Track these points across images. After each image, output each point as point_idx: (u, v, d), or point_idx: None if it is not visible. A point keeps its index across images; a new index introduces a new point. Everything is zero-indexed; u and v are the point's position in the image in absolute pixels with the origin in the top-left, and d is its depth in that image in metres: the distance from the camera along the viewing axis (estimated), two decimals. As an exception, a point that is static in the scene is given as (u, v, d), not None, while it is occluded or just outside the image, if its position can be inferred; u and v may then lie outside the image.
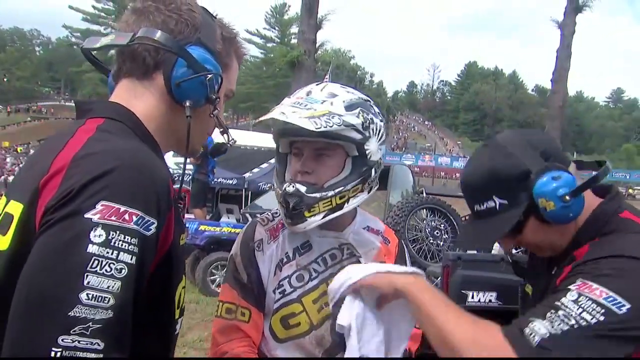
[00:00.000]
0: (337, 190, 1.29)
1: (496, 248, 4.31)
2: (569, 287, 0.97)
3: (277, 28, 66.82)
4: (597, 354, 0.91)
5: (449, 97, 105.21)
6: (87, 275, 0.71)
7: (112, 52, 1.00)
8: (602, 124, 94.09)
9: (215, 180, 8.29)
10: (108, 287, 0.72)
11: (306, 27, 12.80)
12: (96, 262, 0.72)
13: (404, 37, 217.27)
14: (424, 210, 4.97)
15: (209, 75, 0.94)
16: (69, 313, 0.69)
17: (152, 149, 0.91)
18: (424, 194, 5.87)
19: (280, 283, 1.35)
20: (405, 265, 1.49)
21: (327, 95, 1.31)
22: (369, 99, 1.38)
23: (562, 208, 1.04)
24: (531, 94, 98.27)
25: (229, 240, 6.90)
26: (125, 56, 0.96)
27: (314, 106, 1.26)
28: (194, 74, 0.93)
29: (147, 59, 0.94)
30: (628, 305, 0.92)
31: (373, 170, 1.34)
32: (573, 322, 0.93)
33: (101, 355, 0.70)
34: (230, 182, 10.10)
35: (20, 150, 47.16)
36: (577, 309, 0.93)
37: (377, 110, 1.37)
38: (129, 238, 0.75)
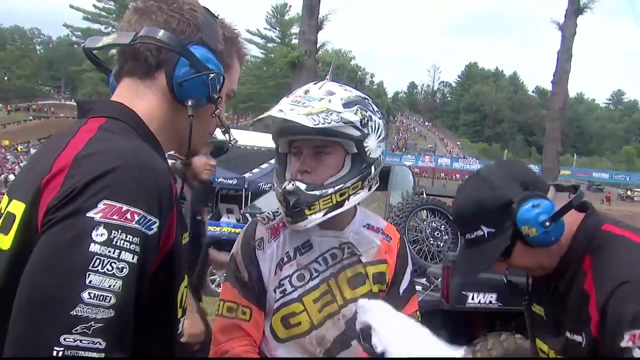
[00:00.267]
0: (337, 188, 1.29)
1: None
2: (622, 345, 1.00)
3: (277, 28, 66.86)
4: None
5: (449, 98, 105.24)
6: (88, 275, 0.71)
7: (113, 51, 1.00)
8: (603, 125, 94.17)
9: (216, 180, 8.30)
10: (109, 286, 0.72)
11: (307, 28, 12.79)
12: (98, 261, 0.72)
13: (405, 37, 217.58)
14: (425, 211, 4.97)
15: (211, 75, 0.94)
16: (71, 312, 0.69)
17: (154, 149, 0.91)
18: (424, 195, 5.86)
19: (281, 282, 1.35)
20: (407, 263, 1.49)
21: (324, 93, 1.31)
22: (367, 97, 1.38)
23: (543, 233, 1.14)
24: (531, 95, 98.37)
25: (229, 240, 6.86)
26: (127, 55, 0.96)
27: (312, 103, 1.27)
28: (196, 73, 0.93)
29: (149, 58, 0.94)
30: None
31: (373, 168, 1.34)
32: None
33: (103, 355, 0.70)
34: (231, 182, 10.11)
35: (21, 149, 47.22)
36: None
37: (375, 108, 1.37)
38: (131, 237, 0.75)
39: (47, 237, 0.74)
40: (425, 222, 4.81)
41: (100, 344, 0.70)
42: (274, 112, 1.25)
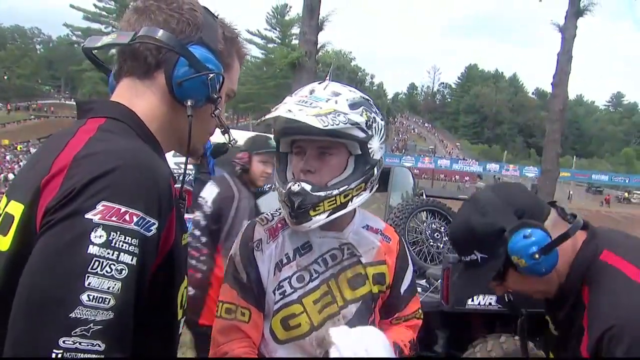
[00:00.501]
0: (341, 189, 1.29)
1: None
2: None
3: (278, 29, 66.83)
4: None
5: (449, 100, 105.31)
6: (87, 277, 0.71)
7: (113, 51, 0.99)
8: (602, 127, 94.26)
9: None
10: (108, 288, 0.72)
11: (307, 28, 12.77)
12: (97, 263, 0.72)
13: (405, 38, 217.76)
14: (424, 212, 4.95)
15: (211, 75, 0.94)
16: (70, 314, 0.69)
17: (154, 149, 0.91)
18: (424, 196, 5.85)
19: (281, 284, 1.35)
20: (408, 263, 1.50)
21: (330, 93, 1.31)
22: (369, 98, 1.38)
23: (533, 264, 1.14)
24: (531, 97, 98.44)
25: (228, 241, 6.88)
26: (127, 55, 0.96)
27: (319, 104, 1.26)
28: (196, 73, 0.93)
29: (149, 58, 0.93)
30: None
31: (375, 169, 1.35)
32: None
33: (102, 357, 0.70)
34: (230, 182, 10.08)
35: (20, 148, 47.19)
36: None
37: (377, 109, 1.37)
38: (130, 239, 0.75)
39: (45, 239, 0.73)
40: (425, 224, 4.80)
41: (99, 345, 0.70)
42: (282, 112, 1.24)
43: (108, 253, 0.73)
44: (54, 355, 0.67)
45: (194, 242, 2.91)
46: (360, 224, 1.45)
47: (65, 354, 0.68)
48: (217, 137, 1.10)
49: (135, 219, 0.76)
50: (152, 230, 0.78)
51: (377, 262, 1.43)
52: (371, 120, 1.31)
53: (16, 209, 0.81)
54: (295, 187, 1.27)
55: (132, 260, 0.75)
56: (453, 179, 53.42)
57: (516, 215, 1.18)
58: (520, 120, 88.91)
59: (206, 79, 0.93)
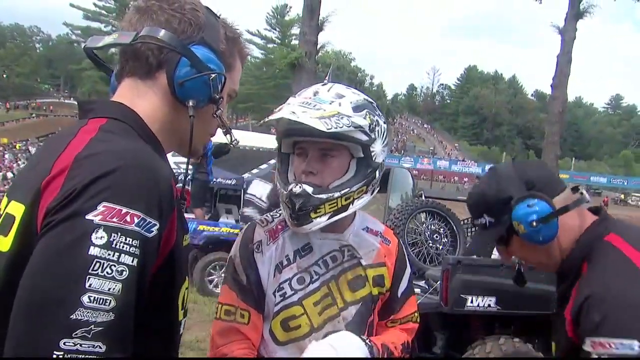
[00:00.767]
0: (343, 192, 1.28)
1: (495, 253, 4.31)
2: (585, 349, 1.12)
3: (277, 29, 66.84)
4: None
5: (448, 101, 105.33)
6: (88, 278, 0.70)
7: (112, 50, 0.99)
8: (601, 129, 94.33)
9: (214, 180, 8.29)
10: (109, 289, 0.71)
11: (307, 29, 12.78)
12: (97, 264, 0.71)
13: (405, 39, 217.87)
14: (424, 213, 4.95)
15: (213, 75, 0.93)
16: (71, 316, 0.69)
17: (155, 149, 0.91)
18: (424, 198, 5.85)
19: (281, 286, 1.34)
20: (406, 266, 1.50)
21: (334, 95, 1.31)
22: (373, 101, 1.37)
23: (531, 232, 1.24)
24: (530, 98, 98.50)
25: (228, 241, 6.89)
26: (128, 55, 0.95)
27: (323, 106, 1.26)
28: (198, 73, 0.92)
29: (150, 58, 0.93)
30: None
31: (377, 172, 1.35)
32: None
33: (103, 358, 0.70)
34: (229, 182, 10.10)
35: (19, 147, 47.12)
36: None
37: (380, 112, 1.37)
38: (130, 240, 0.75)
39: (46, 240, 0.73)
40: (424, 225, 4.79)
41: (100, 347, 0.69)
42: (285, 113, 1.24)
43: (109, 254, 0.73)
44: (54, 357, 0.67)
45: None
46: (360, 225, 1.45)
47: (66, 355, 0.68)
48: (218, 138, 1.09)
49: (136, 220, 0.76)
50: (153, 231, 0.78)
51: (376, 264, 1.43)
52: (374, 123, 1.31)
53: (17, 209, 0.81)
54: (297, 189, 1.27)
55: (132, 262, 0.75)
56: (452, 180, 53.44)
57: (526, 187, 1.28)
58: (520, 121, 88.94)
59: (208, 79, 0.93)
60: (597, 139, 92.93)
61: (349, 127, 1.24)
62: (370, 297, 1.40)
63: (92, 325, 0.69)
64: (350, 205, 1.31)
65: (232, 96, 1.07)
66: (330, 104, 1.27)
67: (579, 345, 1.16)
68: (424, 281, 4.21)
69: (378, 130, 1.32)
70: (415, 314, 1.52)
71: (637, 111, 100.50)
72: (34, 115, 63.59)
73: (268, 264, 1.35)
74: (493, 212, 1.31)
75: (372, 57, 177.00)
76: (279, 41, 63.46)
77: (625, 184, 51.19)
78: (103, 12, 62.28)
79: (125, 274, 0.73)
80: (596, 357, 1.09)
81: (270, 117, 1.28)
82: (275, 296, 1.34)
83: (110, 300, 0.71)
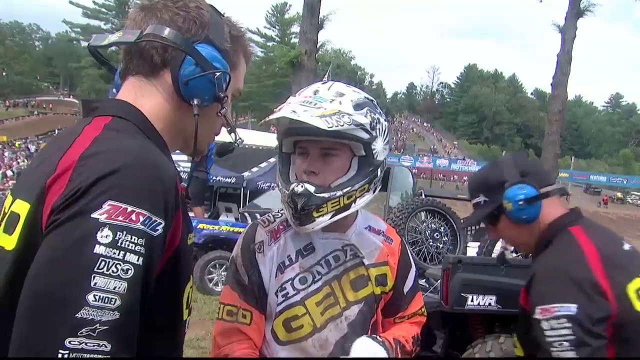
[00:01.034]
0: (345, 191, 1.28)
1: (496, 252, 4.31)
2: (534, 317, 1.36)
3: (277, 27, 66.81)
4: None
5: (448, 100, 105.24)
6: (94, 277, 0.70)
7: (113, 48, 0.99)
8: (601, 128, 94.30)
9: (214, 178, 8.28)
10: (114, 288, 0.71)
11: (308, 27, 12.74)
12: (103, 263, 0.71)
13: (405, 37, 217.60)
14: (424, 212, 4.95)
15: (217, 74, 0.93)
16: (76, 315, 0.68)
17: (160, 148, 0.90)
18: (424, 196, 5.85)
19: (283, 286, 1.34)
20: (410, 264, 1.50)
21: (334, 94, 1.30)
22: (373, 99, 1.37)
23: (517, 210, 1.48)
24: (530, 97, 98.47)
25: (227, 239, 6.90)
26: (133, 54, 0.95)
27: (324, 105, 1.25)
28: (202, 72, 0.92)
29: (155, 56, 0.93)
30: (575, 305, 1.29)
31: (379, 171, 1.34)
32: (565, 344, 1.29)
33: (108, 357, 0.69)
34: (229, 180, 10.09)
35: (19, 145, 47.07)
36: (556, 334, 1.30)
37: (381, 110, 1.36)
38: (136, 238, 0.75)
39: (51, 238, 0.73)
40: (424, 224, 4.79)
41: (105, 346, 0.69)
42: (286, 112, 1.23)
43: (114, 253, 0.73)
44: (60, 356, 0.67)
45: None
46: (363, 224, 1.45)
47: (71, 354, 0.67)
48: (221, 137, 1.09)
49: (141, 219, 0.76)
50: (158, 229, 0.78)
51: (379, 263, 1.42)
52: (375, 121, 1.30)
53: (22, 207, 0.81)
54: (299, 188, 1.26)
55: (138, 260, 0.74)
56: (452, 178, 53.43)
57: (520, 175, 1.51)
58: (519, 120, 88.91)
59: (213, 77, 0.92)
60: (597, 137, 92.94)
61: (350, 125, 1.23)
62: (373, 296, 1.40)
63: (98, 324, 0.69)
64: (353, 203, 1.30)
65: (237, 95, 1.07)
66: (331, 102, 1.27)
67: (529, 313, 1.39)
68: (424, 280, 4.21)
69: (379, 128, 1.31)
70: (422, 308, 1.54)
71: (636, 110, 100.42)
72: (36, 113, 63.53)
73: (270, 264, 1.35)
74: (489, 192, 1.54)
75: (372, 56, 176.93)
76: (279, 39, 63.42)
77: (625, 182, 51.24)
78: (102, 9, 62.22)
79: (131, 272, 0.73)
80: (539, 318, 1.34)
81: (271, 117, 1.27)
82: (277, 296, 1.34)
83: (116, 299, 0.71)
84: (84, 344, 0.68)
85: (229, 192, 10.71)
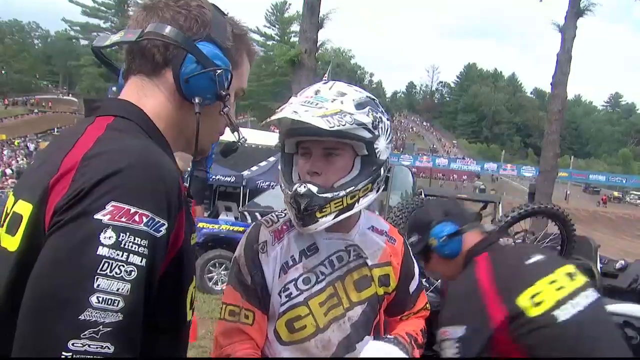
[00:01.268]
0: (348, 190, 1.27)
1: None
2: (438, 337, 1.54)
3: (277, 26, 66.77)
4: None
5: (447, 99, 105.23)
6: (97, 278, 0.70)
7: (112, 49, 0.99)
8: (600, 128, 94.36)
9: (214, 177, 8.28)
10: (118, 289, 0.71)
11: (308, 26, 12.72)
12: (106, 264, 0.71)
13: (405, 37, 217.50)
14: (423, 211, 4.94)
15: (218, 71, 0.92)
16: (79, 316, 0.68)
17: (162, 148, 0.90)
18: (423, 196, 5.85)
19: (287, 286, 1.34)
20: (414, 264, 1.51)
21: (336, 93, 1.29)
22: (375, 98, 1.36)
23: (441, 245, 1.68)
24: (530, 96, 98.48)
25: (227, 238, 6.90)
26: (135, 53, 0.94)
27: (325, 105, 1.24)
28: (203, 69, 0.91)
29: (157, 55, 0.92)
30: (463, 328, 1.47)
31: (382, 170, 1.33)
32: None
33: (111, 359, 0.69)
34: (229, 179, 10.09)
35: (18, 143, 47.03)
36: (449, 353, 1.49)
37: (383, 109, 1.36)
38: (139, 240, 0.74)
39: (54, 239, 0.73)
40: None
41: (108, 348, 0.69)
42: (287, 113, 1.22)
43: (117, 254, 0.72)
44: (63, 357, 0.67)
45: None
46: (366, 225, 1.44)
47: (74, 356, 0.67)
48: (224, 136, 1.08)
49: (144, 220, 0.75)
50: (161, 230, 0.77)
51: (382, 263, 1.42)
52: (377, 120, 1.29)
53: (25, 208, 0.80)
54: (302, 189, 1.25)
55: (141, 262, 0.74)
56: (451, 177, 53.45)
57: (444, 215, 1.72)
58: (519, 119, 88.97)
59: (214, 75, 0.92)
60: (596, 137, 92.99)
61: (352, 124, 1.23)
62: (376, 297, 1.40)
63: (101, 326, 0.69)
64: (356, 203, 1.29)
65: (240, 94, 1.06)
66: (332, 102, 1.26)
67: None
68: (425, 279, 4.21)
69: (381, 127, 1.30)
70: (427, 304, 1.58)
71: (636, 109, 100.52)
72: (36, 111, 63.49)
73: (273, 264, 1.34)
74: (419, 231, 1.73)
75: (372, 55, 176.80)
76: (278, 38, 63.37)
77: (624, 182, 51.26)
78: (102, 8, 62.15)
79: (134, 274, 0.73)
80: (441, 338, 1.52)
81: (272, 117, 1.26)
82: (280, 297, 1.33)
83: (119, 301, 0.71)
84: (87, 345, 0.68)
85: (229, 191, 10.71)
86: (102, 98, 1.00)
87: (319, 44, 13.13)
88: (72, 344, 0.67)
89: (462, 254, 1.67)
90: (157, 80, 0.94)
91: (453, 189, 36.67)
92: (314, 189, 1.25)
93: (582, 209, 38.20)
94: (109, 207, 0.73)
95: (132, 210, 0.74)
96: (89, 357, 0.68)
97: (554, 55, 15.67)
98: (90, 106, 0.93)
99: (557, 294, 1.45)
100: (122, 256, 0.72)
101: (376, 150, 1.30)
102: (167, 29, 0.90)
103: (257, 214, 7.55)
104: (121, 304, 0.71)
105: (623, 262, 4.70)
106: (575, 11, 15.36)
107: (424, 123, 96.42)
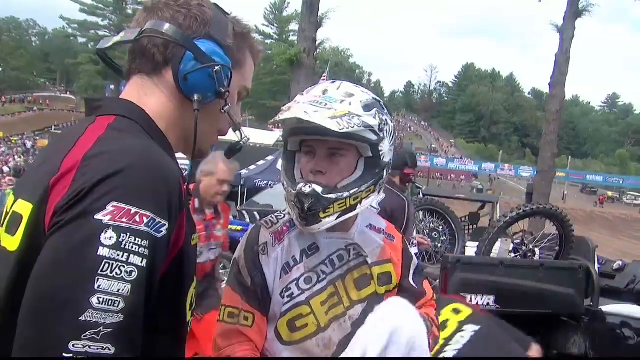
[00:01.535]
0: (352, 192, 1.27)
1: (495, 252, 4.32)
2: None
3: (275, 25, 66.76)
4: None
5: (445, 98, 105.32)
6: (97, 279, 0.70)
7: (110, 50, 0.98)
8: (597, 128, 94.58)
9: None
10: (118, 290, 0.71)
11: (307, 25, 12.73)
12: (107, 265, 0.71)
13: (403, 36, 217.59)
14: (422, 212, 4.95)
15: (217, 68, 0.92)
16: (80, 317, 0.68)
17: (163, 148, 0.89)
18: (421, 196, 5.86)
19: (288, 286, 1.33)
20: (412, 256, 1.52)
21: (344, 94, 1.28)
22: (380, 100, 1.36)
23: None
24: (528, 97, 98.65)
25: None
26: (136, 53, 0.94)
27: (334, 105, 1.24)
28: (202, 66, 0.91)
29: (157, 55, 0.92)
30: None
31: (384, 172, 1.34)
32: None
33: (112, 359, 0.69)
34: (227, 178, 10.07)
35: (15, 141, 46.93)
36: None
37: (387, 111, 1.36)
38: (140, 240, 0.74)
39: (55, 240, 0.72)
40: (422, 223, 4.80)
41: (109, 349, 0.69)
42: (298, 113, 1.21)
43: (118, 255, 0.72)
44: (63, 358, 0.67)
45: None
46: (364, 223, 1.45)
47: (75, 357, 0.67)
48: (227, 136, 1.08)
49: (145, 220, 0.75)
50: (162, 231, 0.77)
51: (382, 261, 1.42)
52: (383, 122, 1.29)
53: (25, 208, 0.80)
54: (306, 189, 1.25)
55: (142, 262, 0.74)
56: (449, 177, 53.52)
57: None
58: (516, 119, 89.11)
59: (212, 71, 0.91)
60: (594, 137, 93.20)
61: (360, 127, 1.23)
62: (376, 295, 1.40)
63: (101, 327, 0.69)
64: (359, 205, 1.30)
65: (244, 94, 1.06)
66: (341, 103, 1.25)
67: None
68: (423, 279, 4.21)
69: (387, 130, 1.31)
70: (434, 295, 1.55)
71: (633, 110, 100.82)
72: (35, 109, 63.34)
73: (274, 265, 1.34)
74: None
75: (370, 54, 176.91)
76: (277, 37, 63.34)
77: (621, 182, 51.48)
78: (100, 5, 62.00)
79: (135, 274, 0.73)
80: None
81: (281, 117, 1.24)
82: (283, 297, 1.33)
83: (119, 302, 0.71)
84: (87, 347, 0.68)
85: (227, 190, 10.69)
86: (103, 97, 1.00)
87: (317, 43, 13.13)
88: (73, 345, 0.67)
89: None
90: (158, 79, 0.94)
91: (451, 188, 36.72)
92: (319, 189, 1.25)
93: (579, 209, 38.32)
94: (109, 208, 0.73)
95: (133, 210, 0.74)
96: (89, 358, 0.67)
97: (552, 56, 15.72)
98: (92, 106, 0.93)
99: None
100: (122, 257, 0.72)
101: (380, 153, 1.30)
102: (166, 27, 0.90)
103: (255, 212, 7.54)
104: (122, 305, 0.71)
105: (620, 262, 4.72)
106: (574, 11, 15.39)
107: (422, 123, 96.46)
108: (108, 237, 0.72)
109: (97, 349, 0.68)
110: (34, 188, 0.80)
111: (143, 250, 0.74)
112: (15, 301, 0.72)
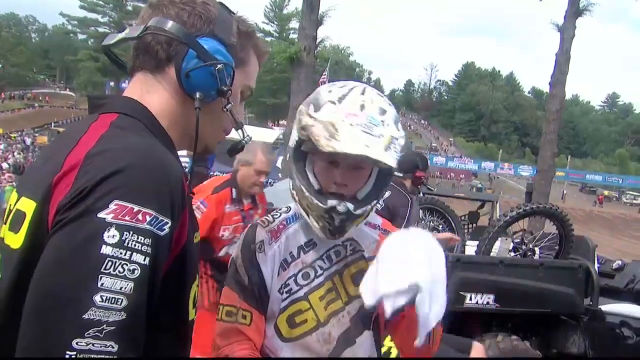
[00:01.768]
0: (373, 204, 1.32)
1: (495, 251, 4.32)
2: None
3: (276, 22, 66.67)
4: None
5: (445, 97, 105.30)
6: (100, 277, 0.70)
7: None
8: (597, 128, 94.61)
9: (212, 173, 8.28)
10: (121, 288, 0.71)
11: (307, 23, 12.71)
12: (110, 263, 0.71)
13: (403, 35, 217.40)
14: (422, 210, 4.95)
15: (219, 66, 0.91)
16: (83, 316, 0.68)
17: (166, 146, 0.89)
18: (421, 194, 5.85)
19: (287, 282, 1.34)
20: None
21: (379, 111, 1.26)
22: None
23: None
24: (528, 96, 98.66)
25: (225, 235, 6.87)
26: (140, 50, 0.94)
27: (380, 131, 1.22)
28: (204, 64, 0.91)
29: (160, 52, 0.92)
30: None
31: (390, 177, 1.37)
32: None
33: (115, 357, 0.69)
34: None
35: (15, 137, 46.89)
36: None
37: None
38: (143, 238, 0.74)
39: (58, 238, 0.72)
40: (422, 222, 4.80)
41: (112, 347, 0.69)
42: (360, 150, 1.17)
43: (121, 253, 0.72)
44: (67, 357, 0.67)
45: None
46: None
47: (78, 355, 0.67)
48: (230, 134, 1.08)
49: (148, 218, 0.75)
50: (165, 229, 0.77)
51: None
52: (403, 137, 1.31)
53: (28, 206, 0.80)
54: (341, 208, 1.26)
55: (144, 260, 0.74)
56: (448, 176, 53.56)
57: None
58: (516, 119, 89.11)
59: (214, 69, 0.91)
60: (593, 137, 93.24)
61: (400, 152, 1.25)
62: None
63: (105, 325, 0.69)
64: (371, 212, 1.35)
65: (248, 93, 1.05)
66: (383, 126, 1.24)
67: None
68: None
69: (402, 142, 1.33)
70: None
71: (633, 110, 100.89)
72: (35, 105, 63.30)
73: (271, 263, 1.35)
74: None
75: (370, 53, 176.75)
76: (277, 35, 63.28)
77: (620, 182, 51.53)
78: (100, 2, 61.87)
79: (137, 272, 0.73)
80: None
81: (340, 149, 1.19)
82: (281, 293, 1.34)
83: (122, 300, 0.71)
84: (91, 344, 0.68)
85: (227, 188, 10.68)
86: (105, 95, 1.00)
87: (318, 41, 13.12)
88: (77, 343, 0.67)
89: None
90: (161, 76, 0.94)
91: (450, 187, 36.75)
92: (351, 206, 1.27)
93: (579, 209, 38.34)
94: (112, 206, 0.73)
95: (136, 208, 0.74)
96: (93, 356, 0.68)
97: (552, 55, 15.69)
98: (94, 103, 0.93)
99: None
100: (125, 255, 0.72)
101: None
102: (169, 24, 0.90)
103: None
104: (125, 303, 0.71)
105: (620, 262, 4.73)
106: (575, 11, 15.37)
107: (422, 121, 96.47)
108: (111, 236, 0.72)
109: (101, 346, 0.68)
110: (37, 186, 0.80)
111: (146, 248, 0.74)
112: (19, 299, 0.72)
